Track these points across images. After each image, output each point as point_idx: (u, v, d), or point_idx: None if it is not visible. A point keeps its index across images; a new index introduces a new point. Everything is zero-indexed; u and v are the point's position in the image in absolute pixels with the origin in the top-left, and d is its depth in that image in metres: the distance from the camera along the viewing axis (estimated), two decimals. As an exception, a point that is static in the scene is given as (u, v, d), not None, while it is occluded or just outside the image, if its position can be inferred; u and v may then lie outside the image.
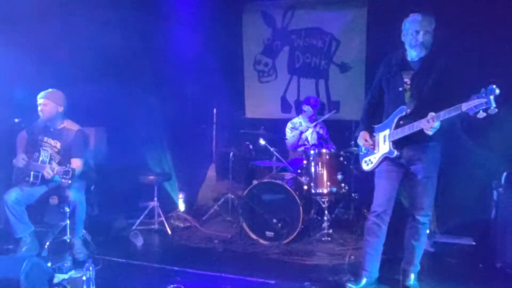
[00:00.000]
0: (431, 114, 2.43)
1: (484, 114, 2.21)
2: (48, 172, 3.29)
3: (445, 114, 2.36)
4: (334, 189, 3.98)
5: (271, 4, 5.37)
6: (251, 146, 4.70)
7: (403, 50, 2.69)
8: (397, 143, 2.70)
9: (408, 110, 2.63)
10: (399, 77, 2.69)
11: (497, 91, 2.15)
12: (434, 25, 2.59)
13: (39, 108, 3.51)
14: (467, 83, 2.52)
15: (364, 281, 2.83)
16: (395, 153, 2.69)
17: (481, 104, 2.18)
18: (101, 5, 4.51)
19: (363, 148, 2.98)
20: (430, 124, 2.42)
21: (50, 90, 3.56)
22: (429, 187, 2.72)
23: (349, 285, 2.84)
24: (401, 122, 2.66)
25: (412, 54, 2.64)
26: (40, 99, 3.51)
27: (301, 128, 4.70)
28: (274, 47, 5.47)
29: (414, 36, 2.57)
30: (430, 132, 2.46)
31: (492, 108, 2.17)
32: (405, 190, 2.90)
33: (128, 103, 4.92)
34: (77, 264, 3.23)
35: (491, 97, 2.16)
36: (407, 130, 2.59)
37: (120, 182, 4.60)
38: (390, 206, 2.78)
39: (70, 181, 3.21)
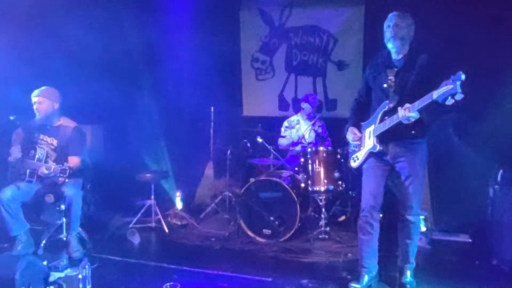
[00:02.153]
0: (407, 104, 2.50)
1: (452, 101, 2.24)
2: (43, 172, 3.27)
3: (419, 104, 2.43)
4: (331, 187, 3.98)
5: (269, 1, 5.35)
6: (248, 144, 4.69)
7: (388, 50, 2.76)
8: (382, 139, 2.74)
9: (391, 105, 2.68)
10: (384, 74, 2.76)
11: (463, 76, 2.19)
12: (410, 20, 2.65)
13: (34, 106, 3.49)
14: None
15: (365, 278, 2.84)
16: (378, 147, 2.73)
17: (449, 90, 2.23)
18: (97, 3, 4.50)
19: (352, 145, 3.02)
20: (406, 113, 2.48)
21: (44, 87, 3.54)
22: (416, 186, 2.72)
23: (352, 285, 2.83)
24: (385, 117, 2.71)
25: (392, 50, 2.70)
26: (35, 97, 3.49)
27: (294, 135, 4.71)
28: (271, 44, 5.46)
29: (388, 31, 2.66)
30: (409, 120, 2.49)
31: (458, 93, 2.20)
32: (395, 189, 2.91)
33: (124, 100, 4.91)
34: (73, 263, 3.23)
35: (458, 83, 2.20)
36: (388, 123, 2.64)
37: (117, 180, 4.59)
38: (378, 203, 2.79)
39: (66, 180, 3.20)
